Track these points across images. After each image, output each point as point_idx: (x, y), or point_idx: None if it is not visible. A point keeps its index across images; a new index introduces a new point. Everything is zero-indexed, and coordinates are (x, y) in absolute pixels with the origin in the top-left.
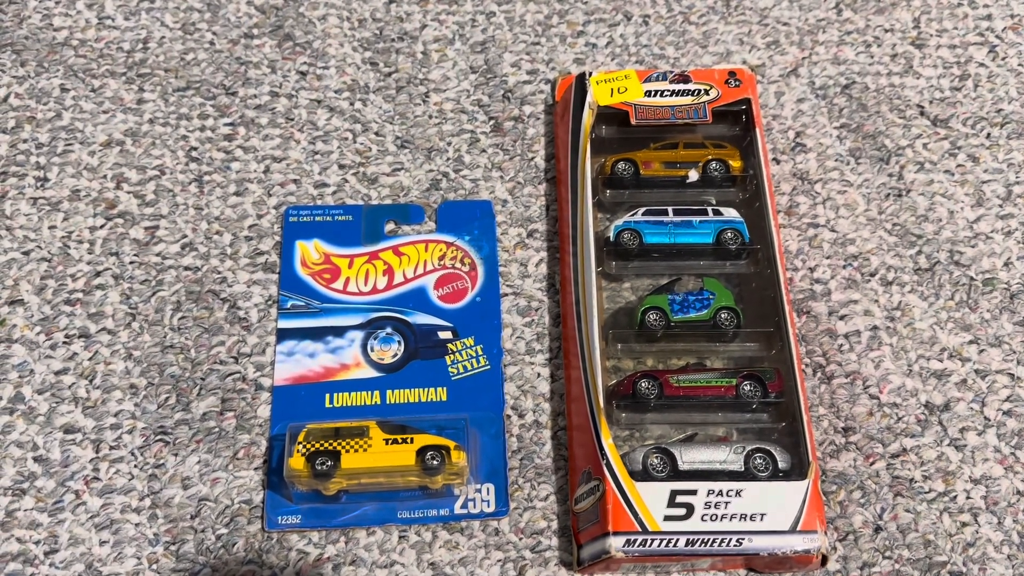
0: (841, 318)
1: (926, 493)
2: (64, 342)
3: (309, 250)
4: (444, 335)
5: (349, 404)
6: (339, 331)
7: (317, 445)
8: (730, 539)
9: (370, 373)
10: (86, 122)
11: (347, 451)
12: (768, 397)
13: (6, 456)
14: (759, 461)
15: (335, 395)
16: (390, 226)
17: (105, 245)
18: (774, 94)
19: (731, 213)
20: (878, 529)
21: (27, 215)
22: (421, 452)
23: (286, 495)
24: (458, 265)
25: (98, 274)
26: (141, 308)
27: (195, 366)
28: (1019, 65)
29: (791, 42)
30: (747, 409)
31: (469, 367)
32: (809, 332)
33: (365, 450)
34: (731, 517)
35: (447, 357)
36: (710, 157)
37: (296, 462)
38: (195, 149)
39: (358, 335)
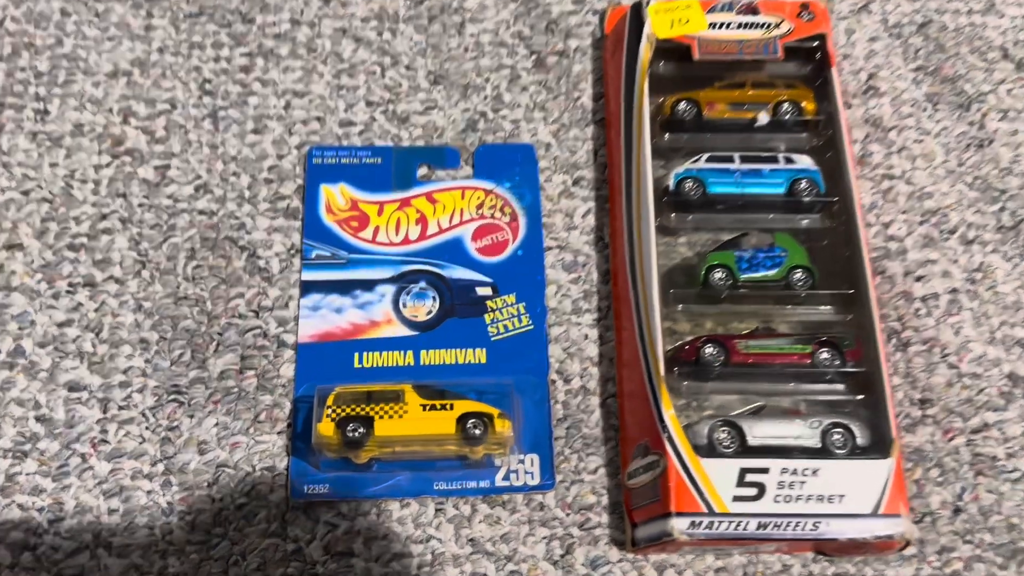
0: (918, 279)
1: (1010, 472)
2: (67, 291)
3: (335, 195)
4: (483, 291)
5: (380, 364)
6: (368, 285)
7: (348, 410)
8: (805, 522)
9: (403, 331)
10: (89, 50)
11: (381, 417)
12: (846, 366)
13: (5, 415)
14: (837, 437)
15: (364, 354)
16: (423, 170)
17: (111, 185)
18: (844, 31)
19: (805, 161)
20: (957, 511)
21: (26, 151)
22: (462, 420)
23: (313, 462)
24: (498, 215)
25: (104, 217)
26: (152, 255)
27: (212, 320)
28: None
29: None
30: (822, 379)
31: (510, 327)
32: (883, 294)
33: (400, 416)
34: (807, 498)
35: (486, 316)
36: (784, 98)
37: (325, 428)
38: (209, 82)
39: (389, 289)
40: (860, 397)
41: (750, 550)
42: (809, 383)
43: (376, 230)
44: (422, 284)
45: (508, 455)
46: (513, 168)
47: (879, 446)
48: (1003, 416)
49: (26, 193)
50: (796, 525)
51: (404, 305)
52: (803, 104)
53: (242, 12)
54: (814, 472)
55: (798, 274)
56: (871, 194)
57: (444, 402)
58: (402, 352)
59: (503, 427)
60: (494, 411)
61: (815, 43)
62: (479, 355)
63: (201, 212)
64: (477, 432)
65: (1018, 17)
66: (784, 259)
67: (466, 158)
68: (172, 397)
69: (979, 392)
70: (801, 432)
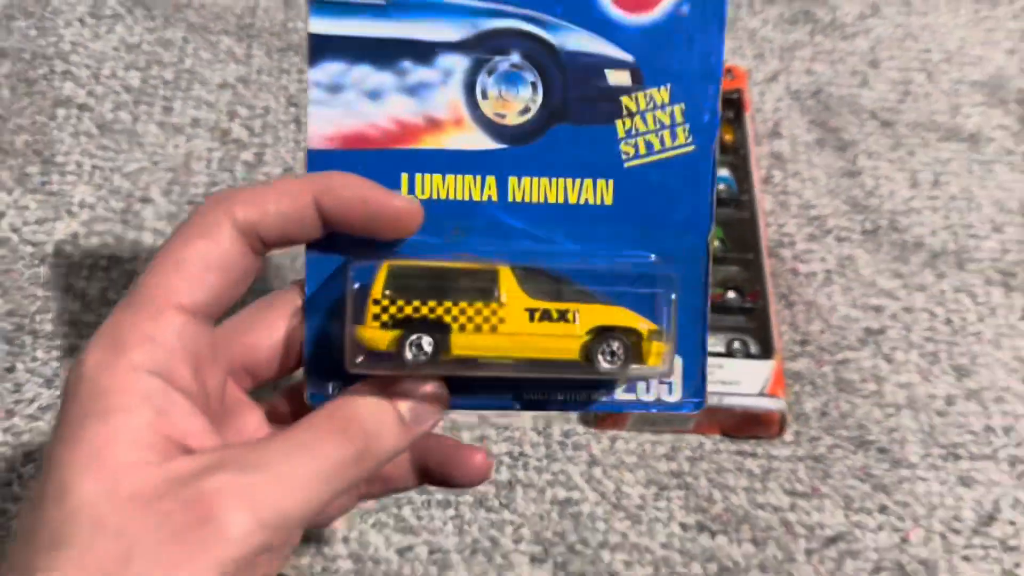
0: (802, 261)
1: (862, 392)
2: None
3: None
4: (617, 78)
5: (443, 196)
6: (425, 51)
7: (408, 308)
8: (713, 396)
9: (481, 141)
10: (204, 67)
11: (462, 327)
12: (746, 303)
13: None
14: (738, 345)
15: (417, 177)
16: None
17: (221, 164)
18: (758, 94)
19: (724, 172)
20: (824, 414)
21: (155, 135)
22: (592, 339)
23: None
24: None
25: (215, 184)
26: None
27: (294, 258)
28: (948, 89)
29: (773, 55)
30: (730, 312)
31: (656, 145)
32: (777, 270)
33: (494, 328)
34: (715, 383)
35: (619, 122)
36: None
37: (373, 336)
38: (294, 96)
39: (460, 63)
40: (755, 325)
41: (675, 426)
42: (721, 313)
43: None
44: (515, 59)
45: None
46: None
47: (765, 354)
48: (858, 355)
49: (155, 164)
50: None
51: (485, 94)
52: (725, 136)
53: None
54: (720, 367)
55: (716, 243)
56: (772, 204)
57: (563, 307)
58: (479, 178)
59: (657, 354)
60: (642, 325)
61: (735, 95)
62: (601, 191)
63: None
64: (615, 364)
65: (884, 92)
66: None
67: None
68: None
69: (842, 338)
70: (712, 340)
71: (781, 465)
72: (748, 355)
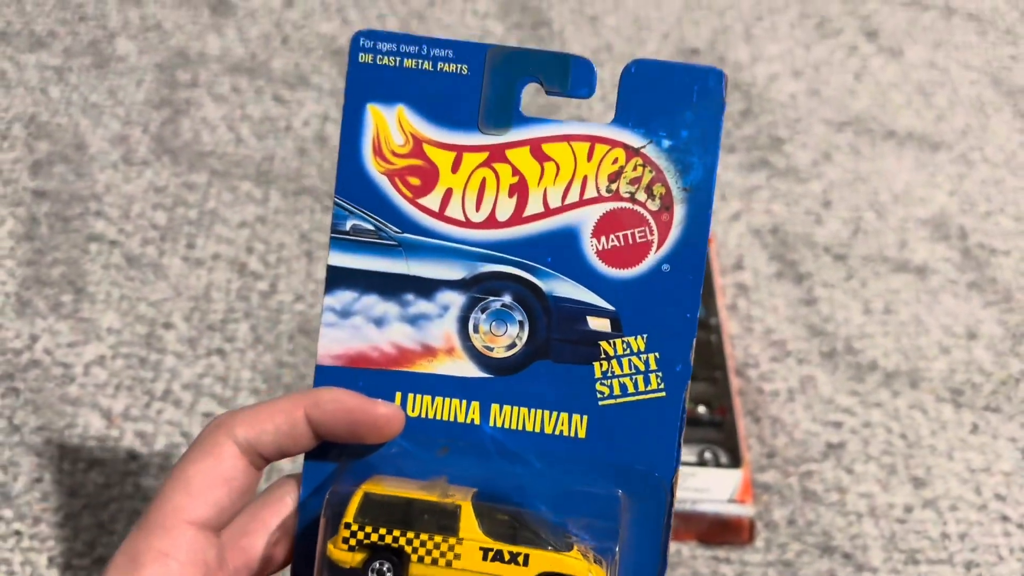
0: (766, 381)
1: (826, 501)
2: (205, 355)
3: (388, 125)
4: (597, 324)
5: (431, 415)
6: (427, 287)
7: (375, 536)
8: (686, 503)
9: (469, 369)
10: (226, 208)
11: (420, 558)
12: (715, 417)
13: (158, 432)
14: (708, 455)
15: (410, 396)
16: (532, 94)
17: (239, 293)
18: (723, 232)
19: None
20: (791, 522)
21: (179, 268)
22: None
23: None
24: (641, 196)
25: (232, 311)
26: (264, 337)
27: (301, 379)
28: (896, 226)
29: (735, 197)
30: (700, 425)
31: (630, 388)
32: (745, 388)
33: (448, 563)
34: (687, 490)
35: (596, 365)
36: None
37: (341, 556)
38: (307, 234)
39: (456, 300)
40: (723, 436)
41: None
42: (692, 427)
43: (447, 196)
44: (506, 299)
45: None
46: (683, 110)
47: (734, 463)
48: (821, 466)
49: (178, 293)
50: (680, 503)
51: (476, 328)
52: None
53: (329, 194)
54: (692, 475)
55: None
56: (738, 329)
57: (516, 550)
58: (464, 402)
59: None
60: (585, 572)
61: None
62: (576, 425)
63: (298, 312)
64: None
65: (836, 229)
66: None
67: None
68: None
69: (806, 451)
70: (685, 451)
71: (753, 570)
72: (718, 464)
